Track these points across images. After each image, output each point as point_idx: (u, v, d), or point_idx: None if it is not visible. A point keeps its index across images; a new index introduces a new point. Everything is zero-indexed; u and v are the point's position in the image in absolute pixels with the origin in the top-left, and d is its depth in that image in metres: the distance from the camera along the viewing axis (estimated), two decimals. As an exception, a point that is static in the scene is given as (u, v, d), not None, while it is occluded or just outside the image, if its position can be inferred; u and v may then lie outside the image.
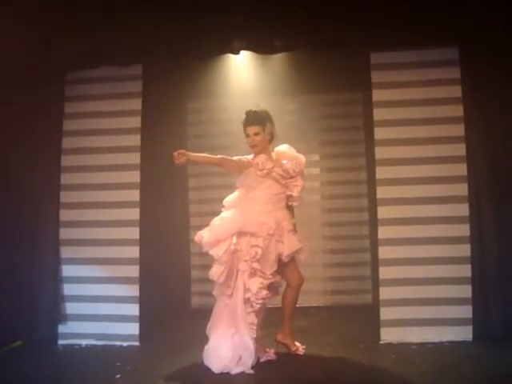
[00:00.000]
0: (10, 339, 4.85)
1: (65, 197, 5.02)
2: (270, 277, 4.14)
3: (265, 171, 4.22)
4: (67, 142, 5.05)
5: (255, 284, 4.07)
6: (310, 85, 6.11)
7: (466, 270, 4.54)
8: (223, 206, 4.32)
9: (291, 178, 4.29)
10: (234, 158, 4.31)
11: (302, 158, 4.39)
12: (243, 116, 4.30)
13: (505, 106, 4.58)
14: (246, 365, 3.98)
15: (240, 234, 4.14)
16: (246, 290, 4.08)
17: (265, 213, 4.19)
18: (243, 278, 4.11)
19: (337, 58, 5.35)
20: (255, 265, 4.09)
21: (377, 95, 4.76)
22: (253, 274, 4.11)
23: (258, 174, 4.23)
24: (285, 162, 4.31)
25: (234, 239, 4.12)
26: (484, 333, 4.48)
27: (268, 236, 4.12)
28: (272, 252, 4.14)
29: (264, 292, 4.09)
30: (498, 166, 4.57)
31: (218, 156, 4.27)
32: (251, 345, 4.01)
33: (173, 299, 6.05)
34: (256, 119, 4.27)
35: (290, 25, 4.68)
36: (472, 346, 4.41)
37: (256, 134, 4.26)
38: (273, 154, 4.36)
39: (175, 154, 4.10)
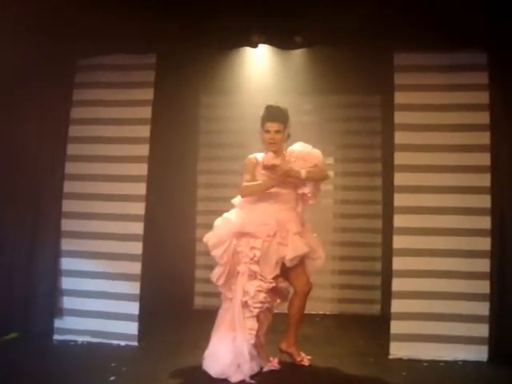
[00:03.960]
0: (5, 331, 4.70)
1: (68, 187, 4.86)
2: (271, 281, 3.95)
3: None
4: (74, 131, 4.89)
5: (253, 287, 3.90)
6: (328, 85, 5.93)
7: (484, 286, 4.32)
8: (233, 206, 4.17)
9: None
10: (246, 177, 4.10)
11: (316, 152, 4.17)
12: (260, 112, 4.12)
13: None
14: (243, 372, 3.80)
15: (241, 234, 3.97)
16: (244, 292, 3.91)
17: (269, 213, 4.01)
18: (242, 281, 3.94)
19: (358, 58, 5.20)
20: (254, 267, 3.92)
21: (399, 98, 4.56)
22: (252, 276, 3.94)
23: (263, 173, 4.04)
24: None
25: (235, 240, 3.96)
26: (500, 353, 4.27)
27: (268, 237, 3.94)
28: (273, 255, 3.95)
29: (262, 295, 3.91)
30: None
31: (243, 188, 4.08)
32: (246, 351, 3.83)
33: (175, 299, 5.87)
34: (280, 116, 4.09)
35: (311, 20, 4.52)
36: (487, 367, 4.20)
37: (277, 132, 4.07)
38: (285, 154, 4.16)
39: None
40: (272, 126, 4.07)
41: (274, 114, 4.09)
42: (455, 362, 4.26)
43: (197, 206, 6.41)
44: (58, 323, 4.76)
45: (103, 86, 4.90)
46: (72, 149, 4.87)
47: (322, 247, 4.25)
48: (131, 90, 4.83)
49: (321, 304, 6.04)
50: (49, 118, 4.92)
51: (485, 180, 4.39)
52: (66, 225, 4.83)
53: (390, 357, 4.36)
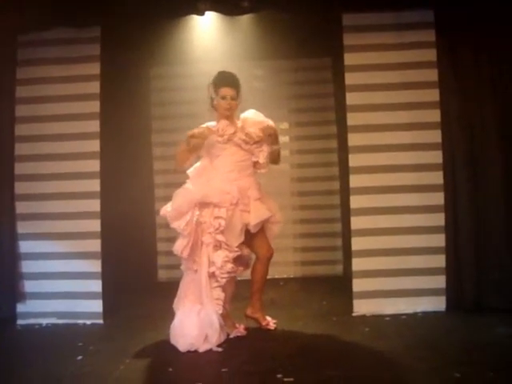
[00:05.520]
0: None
1: (20, 168, 4.71)
2: (236, 249, 3.96)
3: (225, 137, 3.99)
4: (20, 110, 4.72)
5: (220, 257, 3.89)
6: (278, 49, 5.89)
7: (439, 240, 4.45)
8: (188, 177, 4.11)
9: (255, 143, 4.07)
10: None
11: (269, 122, 4.15)
12: (212, 78, 4.06)
13: (480, 70, 4.45)
14: (211, 342, 3.82)
15: (203, 205, 3.93)
16: (211, 263, 3.90)
17: (228, 181, 3.98)
18: (207, 251, 3.92)
19: (306, 21, 5.12)
20: (219, 237, 3.91)
21: (349, 59, 4.57)
22: (217, 246, 3.93)
23: (218, 141, 4.00)
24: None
25: (197, 211, 3.93)
26: (457, 303, 4.43)
27: (231, 206, 3.92)
28: (237, 223, 3.94)
29: (229, 266, 3.92)
30: (473, 132, 4.45)
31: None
32: (216, 321, 3.84)
33: (138, 273, 5.85)
34: (235, 81, 4.05)
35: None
36: (445, 317, 4.36)
37: (233, 98, 4.02)
38: (238, 122, 4.12)
39: None
40: (228, 92, 4.01)
41: (230, 80, 4.04)
42: (415, 314, 4.40)
43: (154, 179, 6.36)
44: (20, 308, 4.67)
45: (47, 62, 4.73)
46: (20, 129, 4.72)
47: (279, 212, 4.27)
48: (77, 65, 4.68)
49: (284, 268, 6.14)
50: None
51: (436, 136, 4.47)
52: (21, 207, 4.71)
53: (354, 314, 4.47)
